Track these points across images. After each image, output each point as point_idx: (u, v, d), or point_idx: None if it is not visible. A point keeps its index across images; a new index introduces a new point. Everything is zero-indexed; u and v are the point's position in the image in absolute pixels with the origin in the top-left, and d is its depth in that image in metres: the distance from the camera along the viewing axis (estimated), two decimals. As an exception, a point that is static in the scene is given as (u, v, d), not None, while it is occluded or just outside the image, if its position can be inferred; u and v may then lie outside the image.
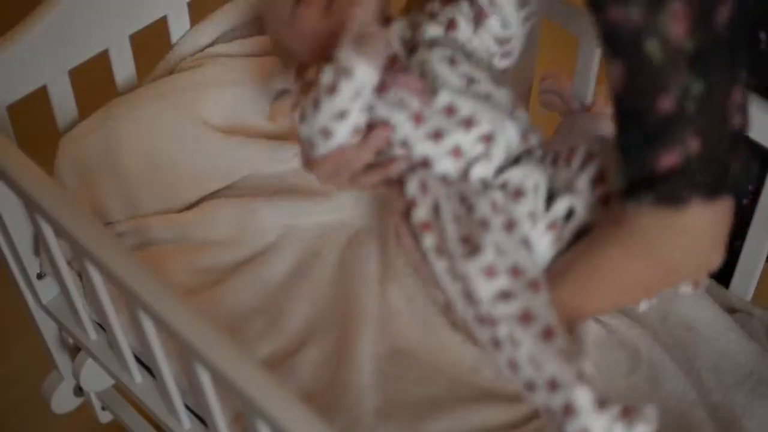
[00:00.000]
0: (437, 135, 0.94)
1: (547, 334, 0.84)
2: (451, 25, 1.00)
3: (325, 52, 0.97)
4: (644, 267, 0.86)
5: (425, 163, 0.95)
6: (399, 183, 0.97)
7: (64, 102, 1.22)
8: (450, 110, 0.94)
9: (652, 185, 0.82)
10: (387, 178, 0.98)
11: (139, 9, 1.24)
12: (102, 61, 1.24)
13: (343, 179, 1.01)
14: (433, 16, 1.01)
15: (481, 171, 0.94)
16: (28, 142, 1.15)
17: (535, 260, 0.91)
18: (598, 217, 0.90)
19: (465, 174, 0.95)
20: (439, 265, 0.91)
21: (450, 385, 1.02)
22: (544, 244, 0.92)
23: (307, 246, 1.22)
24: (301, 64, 1.03)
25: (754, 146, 1.05)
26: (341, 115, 0.93)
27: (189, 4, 1.30)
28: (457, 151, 0.94)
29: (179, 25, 1.31)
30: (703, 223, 0.83)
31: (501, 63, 1.03)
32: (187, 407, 1.11)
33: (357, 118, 0.95)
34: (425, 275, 0.95)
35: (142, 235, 1.22)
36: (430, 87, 0.94)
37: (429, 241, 0.92)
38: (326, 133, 0.95)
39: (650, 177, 0.81)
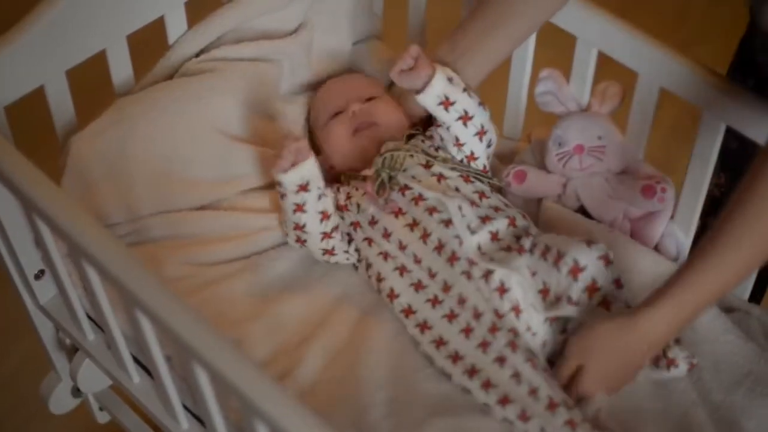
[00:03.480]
0: (414, 224, 1.13)
1: (551, 406, 1.01)
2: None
3: (342, 160, 1.23)
4: None
5: (401, 246, 1.14)
6: None
7: (61, 102, 1.22)
8: (418, 198, 1.14)
9: None
10: None
11: (136, 9, 1.24)
12: (99, 62, 1.25)
13: None
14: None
15: (458, 250, 1.11)
16: (26, 142, 1.15)
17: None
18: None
19: (450, 261, 1.11)
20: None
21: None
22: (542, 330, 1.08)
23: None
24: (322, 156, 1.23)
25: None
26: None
27: (186, 5, 1.30)
28: (424, 235, 1.12)
29: (176, 25, 1.31)
30: None
31: (488, 152, 1.23)
32: (185, 408, 1.11)
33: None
34: None
35: (142, 234, 1.22)
36: (386, 187, 1.16)
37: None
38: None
39: None
